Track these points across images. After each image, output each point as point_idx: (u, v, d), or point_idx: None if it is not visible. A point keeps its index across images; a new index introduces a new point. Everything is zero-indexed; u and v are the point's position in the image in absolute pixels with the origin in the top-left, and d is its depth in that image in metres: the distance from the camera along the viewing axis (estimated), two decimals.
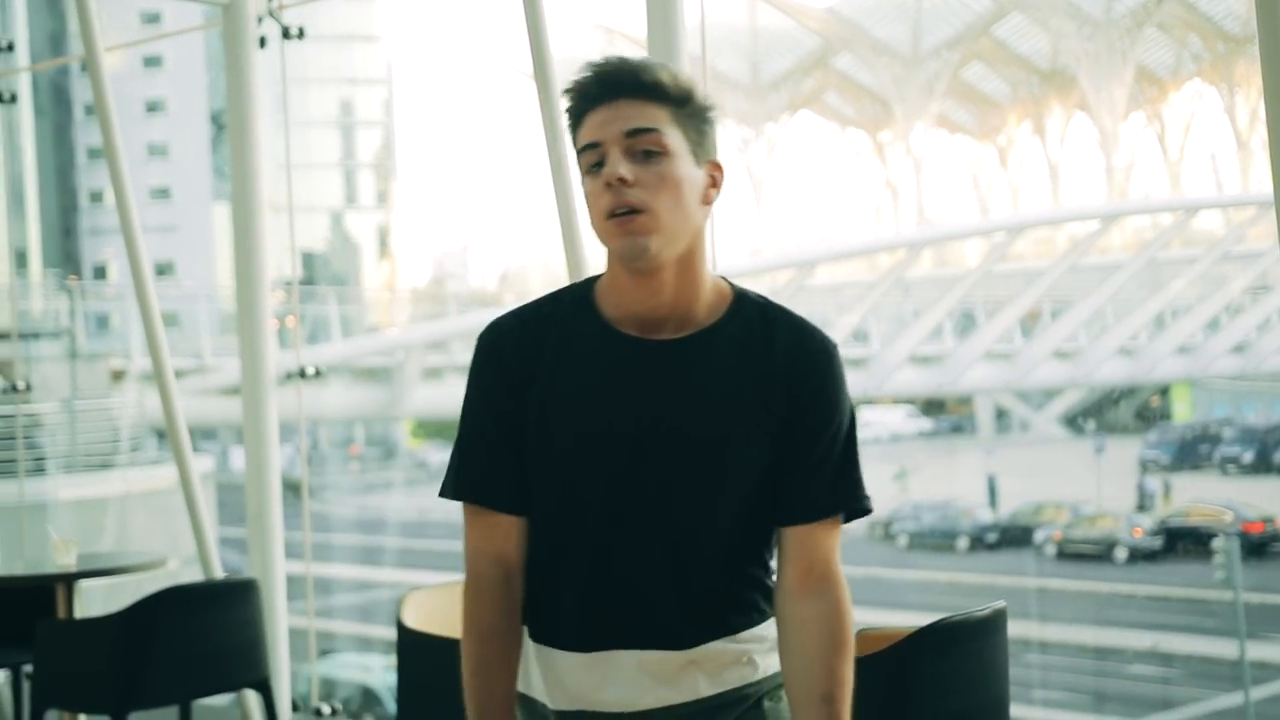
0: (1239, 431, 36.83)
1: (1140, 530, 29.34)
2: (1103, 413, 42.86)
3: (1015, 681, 2.89)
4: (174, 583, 4.40)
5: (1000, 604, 2.80)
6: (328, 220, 67.68)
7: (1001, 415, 44.09)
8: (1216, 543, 24.44)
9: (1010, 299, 35.34)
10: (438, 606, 3.46)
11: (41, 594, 4.50)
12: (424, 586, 3.52)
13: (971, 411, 43.93)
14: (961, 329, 36.03)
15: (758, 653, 2.12)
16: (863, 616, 2.17)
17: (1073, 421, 43.44)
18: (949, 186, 72.05)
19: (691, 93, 2.08)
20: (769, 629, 2.12)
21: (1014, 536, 30.89)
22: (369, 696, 22.72)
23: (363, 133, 69.98)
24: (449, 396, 30.38)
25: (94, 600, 5.28)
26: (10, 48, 7.74)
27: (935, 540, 30.82)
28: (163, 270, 54.99)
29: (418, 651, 3.32)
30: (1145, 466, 36.84)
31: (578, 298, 2.15)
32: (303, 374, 5.62)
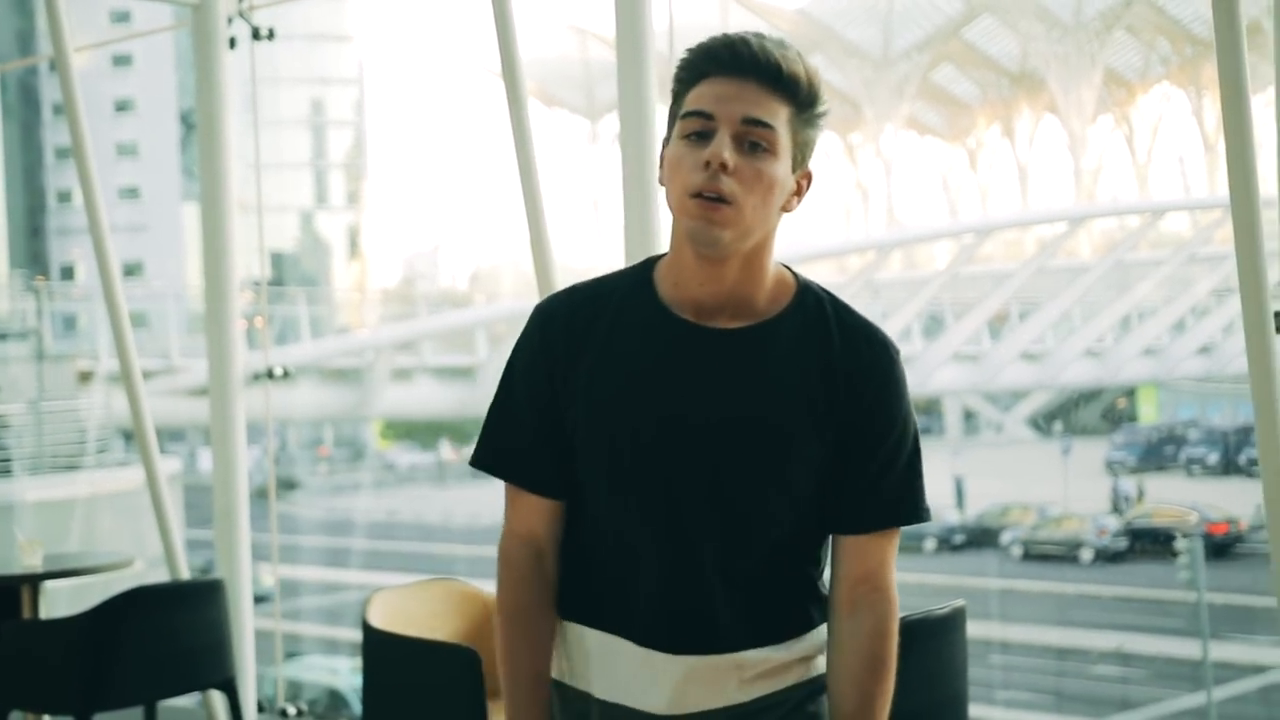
0: (1204, 433, 37.04)
1: (1105, 531, 29.50)
2: (1070, 414, 43.05)
3: (980, 682, 2.93)
4: (140, 583, 4.40)
5: (959, 603, 2.84)
6: (298, 220, 67.45)
7: (969, 417, 44.25)
8: (1180, 544, 24.61)
9: (978, 301, 35.47)
10: (404, 608, 3.47)
11: (7, 595, 4.50)
12: (390, 588, 3.53)
13: (939, 413, 44.06)
14: (930, 331, 36.15)
15: (805, 659, 2.07)
16: None
17: (1040, 423, 43.64)
18: (919, 188, 72.23)
19: (817, 98, 2.01)
20: (818, 635, 2.08)
21: (981, 537, 31.01)
22: (335, 698, 22.64)
23: (334, 132, 69.79)
24: (418, 397, 30.36)
25: (60, 601, 5.27)
26: None
27: (902, 541, 30.27)
28: (131, 270, 54.73)
29: (383, 653, 3.32)
30: (1112, 468, 37.03)
31: (638, 277, 2.08)
32: (271, 375, 5.62)
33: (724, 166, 1.93)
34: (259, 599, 5.64)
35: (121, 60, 59.44)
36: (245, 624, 5.36)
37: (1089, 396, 42.80)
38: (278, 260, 62.59)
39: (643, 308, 2.05)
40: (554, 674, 2.12)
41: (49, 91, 56.91)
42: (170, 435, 33.71)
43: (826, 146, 58.31)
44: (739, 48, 1.97)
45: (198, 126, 5.52)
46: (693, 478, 1.99)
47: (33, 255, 56.52)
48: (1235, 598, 23.61)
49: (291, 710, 5.48)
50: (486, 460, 2.12)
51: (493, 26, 4.43)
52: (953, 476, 34.23)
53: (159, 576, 5.81)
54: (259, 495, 6.05)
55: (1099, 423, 43.16)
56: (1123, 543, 29.31)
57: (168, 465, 6.91)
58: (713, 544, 2.00)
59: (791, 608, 2.06)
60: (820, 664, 2.08)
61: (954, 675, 2.84)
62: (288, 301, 32.37)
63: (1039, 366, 36.22)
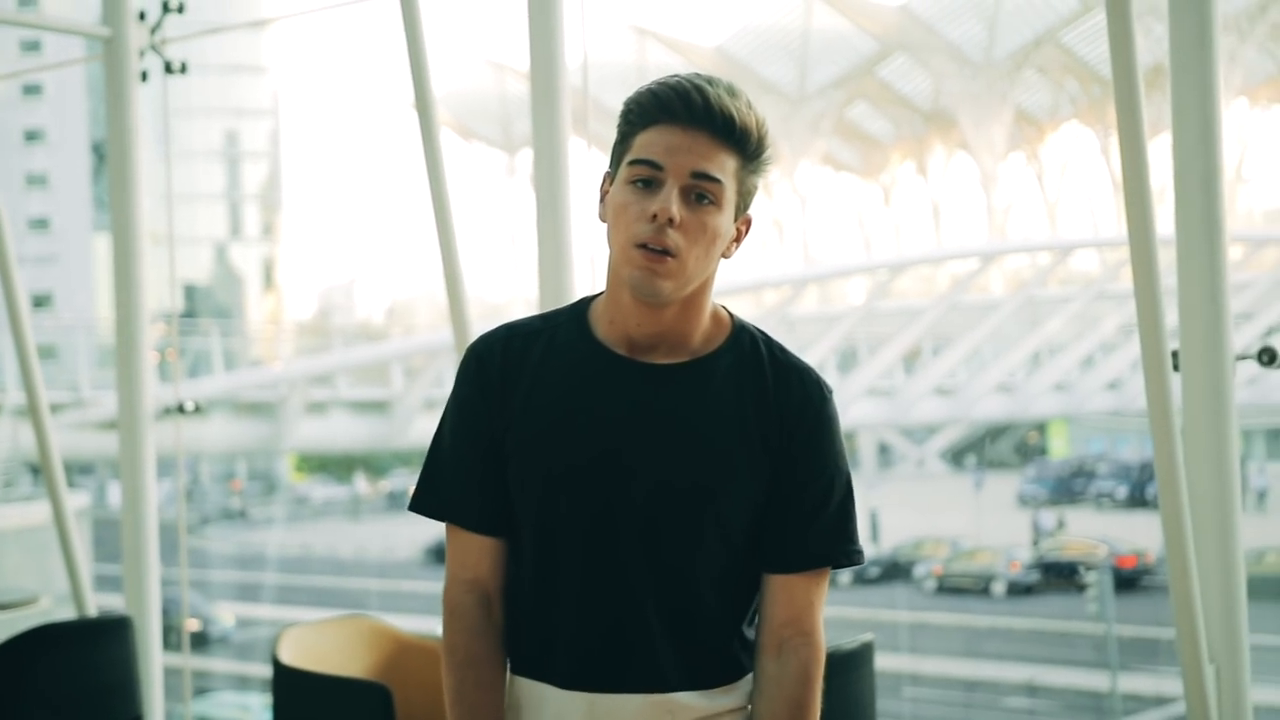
0: (1113, 467, 37.56)
1: (1017, 564, 29.79)
2: (982, 448, 43.50)
3: (890, 715, 2.95)
4: (46, 620, 4.33)
5: (868, 637, 2.86)
6: (211, 252, 66.84)
7: (884, 450, 44.58)
8: (1089, 576, 24.90)
9: (892, 336, 35.81)
10: (315, 644, 3.45)
11: None
12: (301, 623, 3.51)
13: (854, 447, 44.31)
14: (844, 365, 36.43)
15: (736, 710, 2.05)
16: None
17: (954, 457, 44.06)
18: (834, 224, 72.87)
19: (765, 148, 2.01)
20: (747, 684, 2.06)
21: (894, 570, 31.20)
22: None
23: (248, 164, 69.28)
24: (333, 431, 30.12)
25: None
26: None
27: None
28: (41, 302, 53.90)
29: (294, 689, 3.30)
30: (1024, 501, 37.44)
31: (572, 314, 2.09)
32: (182, 409, 5.57)
33: (670, 221, 1.93)
34: (217, 639, 5.58)
35: (31, 90, 58.71)
36: (154, 661, 5.29)
37: (1001, 431, 43.30)
38: (191, 292, 61.96)
39: (576, 343, 2.05)
40: None
41: None
42: (79, 469, 33.21)
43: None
44: (693, 98, 1.95)
45: (109, 159, 5.47)
46: (628, 513, 1.98)
47: None
48: (1143, 629, 23.91)
49: None
50: (426, 503, 2.09)
51: (406, 59, 4.44)
52: (867, 510, 34.41)
53: (65, 613, 5.72)
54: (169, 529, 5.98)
55: (1011, 456, 43.66)
56: (1034, 575, 29.61)
57: (76, 500, 6.83)
58: (649, 581, 1.99)
59: (724, 652, 2.04)
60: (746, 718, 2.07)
61: (862, 709, 2.86)
62: (201, 334, 32.08)
63: (952, 401, 36.60)
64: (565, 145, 4.24)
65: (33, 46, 51.51)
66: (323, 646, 3.40)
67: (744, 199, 2.02)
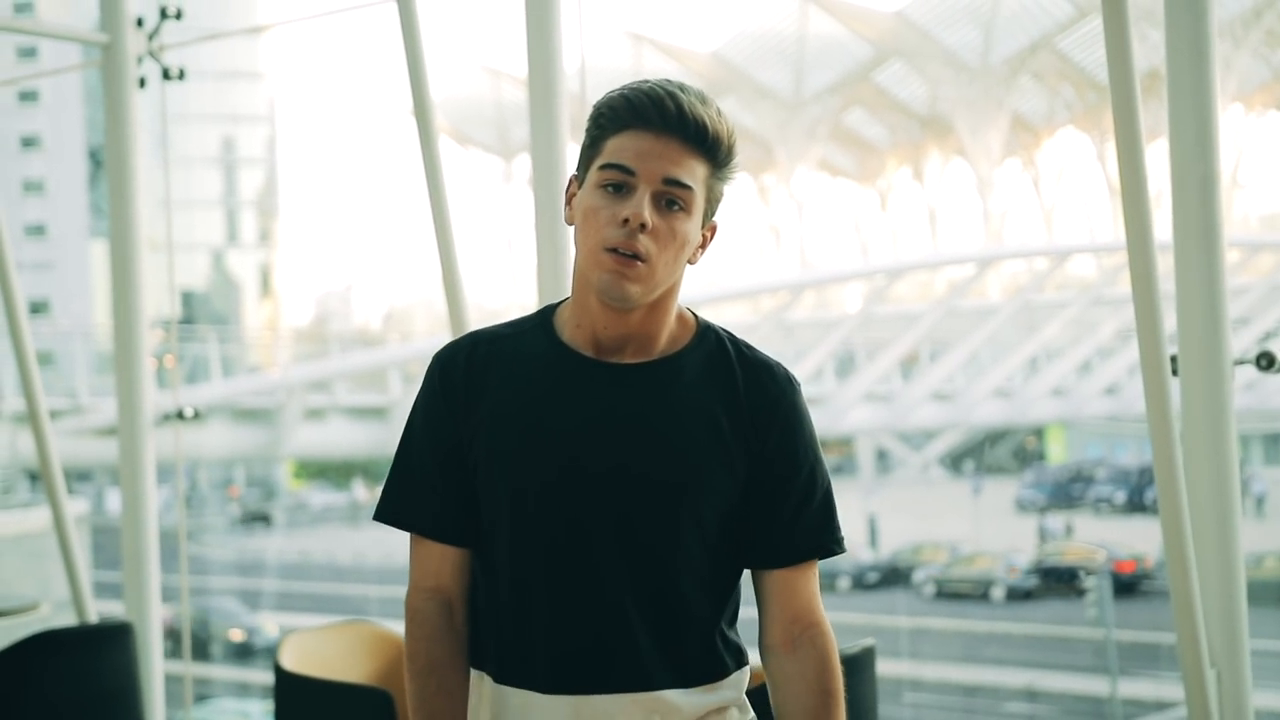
0: (1111, 472, 37.59)
1: (1016, 570, 29.79)
2: (980, 454, 43.53)
3: None
4: (47, 627, 4.33)
5: (869, 642, 2.86)
6: (209, 259, 66.87)
7: (882, 456, 44.61)
8: (1088, 581, 24.90)
9: (889, 341, 35.80)
10: (316, 649, 3.45)
11: None
12: (302, 629, 3.51)
13: (852, 452, 44.38)
14: (842, 371, 36.43)
15: (719, 709, 2.04)
16: (754, 656, 2.13)
17: (952, 462, 44.08)
18: (830, 230, 72.91)
19: (733, 156, 2.02)
20: (732, 682, 2.06)
21: (894, 576, 31.21)
22: None
23: (245, 171, 69.31)
24: (331, 437, 30.11)
25: None
26: None
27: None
28: (38, 308, 53.88)
29: (296, 695, 3.30)
30: (1023, 506, 37.46)
31: (537, 321, 2.09)
32: (180, 415, 5.57)
33: (642, 226, 1.94)
34: (262, 649, 5.58)
35: (28, 96, 58.73)
36: (154, 667, 5.29)
37: (999, 436, 43.34)
38: (188, 299, 61.98)
39: (543, 348, 2.05)
40: None
41: None
42: (78, 475, 33.20)
43: (740, 188, 58.81)
44: (666, 104, 1.96)
45: (107, 165, 5.47)
46: (602, 515, 1.98)
47: None
48: (1142, 634, 23.91)
49: None
50: (388, 512, 2.09)
51: (404, 64, 4.45)
52: (866, 515, 34.45)
53: (66, 620, 5.72)
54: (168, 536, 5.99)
55: (1009, 462, 43.69)
56: (1033, 581, 29.61)
57: (75, 506, 6.83)
58: (627, 582, 1.98)
59: (707, 650, 2.04)
60: (731, 717, 2.06)
61: (864, 714, 2.87)
62: (198, 340, 32.05)
63: (950, 406, 36.60)
64: (563, 150, 4.25)
65: (29, 53, 51.52)
66: (324, 652, 3.41)
67: (711, 206, 2.02)
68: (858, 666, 2.84)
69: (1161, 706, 21.33)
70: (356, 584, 32.92)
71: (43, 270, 56.05)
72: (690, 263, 2.03)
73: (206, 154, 65.93)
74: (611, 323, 2.01)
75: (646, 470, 1.98)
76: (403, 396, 29.36)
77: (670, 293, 2.03)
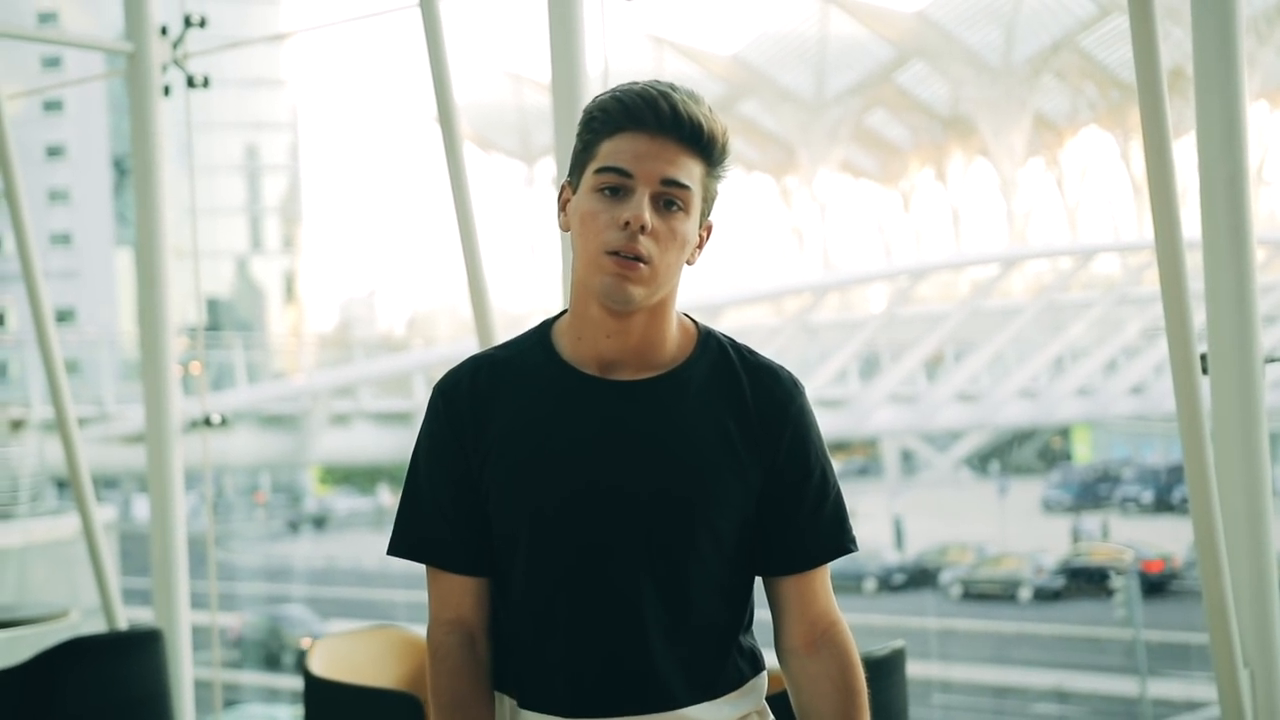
0: (1138, 472, 37.41)
1: (1043, 570, 29.68)
2: (1006, 454, 43.37)
3: None
4: (76, 634, 4.35)
5: (899, 643, 2.85)
6: (233, 266, 67.07)
7: (907, 457, 44.48)
8: (1116, 581, 24.79)
9: (914, 342, 35.70)
10: (346, 655, 3.46)
11: None
12: (331, 634, 3.51)
13: (877, 454, 44.27)
14: (866, 372, 36.34)
15: (748, 710, 2.05)
16: (770, 659, 2.14)
17: (978, 463, 43.93)
18: (853, 231, 72.82)
19: (726, 154, 2.02)
20: (752, 689, 2.06)
21: (920, 577, 31.12)
22: None
23: (268, 178, 69.52)
24: (356, 443, 30.17)
25: None
26: None
27: (843, 582, 30.90)
28: (64, 316, 54.16)
29: (325, 700, 3.31)
30: (1049, 507, 37.30)
31: (535, 339, 2.07)
32: (208, 422, 5.59)
33: (643, 228, 1.93)
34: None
35: (53, 105, 59.00)
36: (184, 673, 5.31)
37: (1024, 436, 43.18)
38: (213, 306, 62.15)
39: (545, 368, 2.03)
40: None
41: None
42: (105, 483, 33.33)
43: (763, 190, 58.80)
44: (660, 105, 1.95)
45: (133, 173, 5.49)
46: (620, 533, 1.97)
47: None
48: (1171, 634, 23.80)
49: None
50: (403, 547, 2.08)
51: (428, 72, 4.45)
52: (892, 517, 34.36)
53: (95, 627, 5.74)
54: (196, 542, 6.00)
55: (1035, 462, 43.53)
56: (1060, 581, 29.50)
57: (102, 513, 6.85)
58: (646, 600, 1.97)
59: (727, 662, 2.03)
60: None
61: (895, 716, 2.86)
62: (223, 347, 32.16)
63: (975, 407, 36.48)
64: None
65: (54, 63, 51.78)
66: (353, 657, 3.41)
67: (707, 204, 2.03)
68: (888, 668, 2.83)
69: (1192, 707, 21.23)
70: (383, 589, 32.98)
71: (69, 279, 56.33)
72: (688, 263, 2.02)
73: (230, 161, 66.15)
74: (614, 330, 2.00)
75: (662, 487, 1.97)
76: (427, 401, 29.38)
77: (669, 297, 2.02)
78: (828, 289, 38.13)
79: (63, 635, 4.28)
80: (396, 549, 2.09)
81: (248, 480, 46.65)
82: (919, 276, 37.34)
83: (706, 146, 1.98)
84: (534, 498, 1.99)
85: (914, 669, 2.91)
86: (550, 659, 2.00)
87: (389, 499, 44.97)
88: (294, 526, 44.33)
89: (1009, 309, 37.60)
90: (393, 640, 3.57)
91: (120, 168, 58.57)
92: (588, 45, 4.32)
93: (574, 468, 1.98)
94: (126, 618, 5.56)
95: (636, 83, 2.00)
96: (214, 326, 53.27)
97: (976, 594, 29.88)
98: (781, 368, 2.07)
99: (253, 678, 27.62)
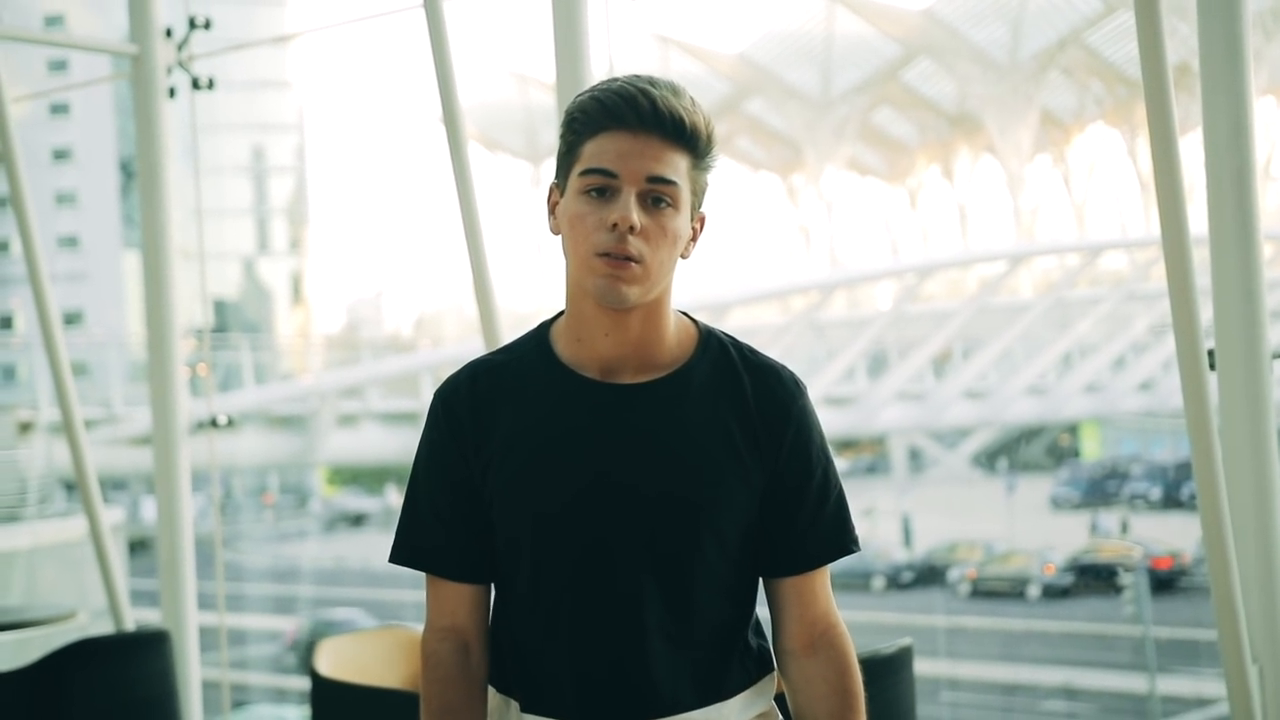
0: (1147, 468, 37.34)
1: (1052, 567, 29.64)
2: (1014, 451, 43.32)
3: None
4: (84, 635, 4.35)
5: (906, 641, 2.85)
6: (240, 267, 67.13)
7: (915, 455, 44.43)
8: (1125, 578, 24.76)
9: (921, 340, 35.69)
10: (353, 655, 3.46)
11: None
12: (338, 635, 3.51)
13: (885, 452, 44.21)
14: (874, 370, 36.34)
15: (757, 711, 2.05)
16: None
17: (986, 460, 43.87)
18: (860, 229, 72.79)
19: (713, 146, 2.00)
20: (757, 691, 2.05)
21: (929, 575, 31.08)
22: None
23: (275, 179, 69.58)
24: (364, 443, 30.21)
25: (1, 655, 5.21)
26: None
27: (851, 580, 30.95)
28: (71, 319, 54.24)
29: (332, 701, 3.31)
30: (1057, 504, 37.25)
31: (534, 343, 2.06)
32: (215, 423, 5.59)
33: (631, 228, 1.92)
34: None
35: (59, 109, 59.08)
36: (192, 674, 5.31)
37: (1033, 433, 43.10)
38: (220, 307, 62.20)
39: (545, 373, 2.02)
40: None
41: None
42: (113, 484, 33.38)
43: (769, 188, 58.76)
44: (640, 102, 1.93)
45: (139, 175, 5.50)
46: (625, 536, 1.96)
47: None
48: (1180, 631, 23.77)
49: None
50: (404, 554, 2.07)
51: (433, 72, 4.45)
52: (900, 515, 34.33)
53: (103, 628, 5.75)
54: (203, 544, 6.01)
55: (1043, 459, 43.45)
56: (1069, 578, 29.47)
57: (110, 515, 6.86)
58: (651, 604, 1.96)
59: (732, 663, 2.03)
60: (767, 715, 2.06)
61: (903, 714, 2.85)
62: (231, 348, 32.20)
63: (983, 404, 36.46)
64: None
65: (59, 66, 51.85)
66: (361, 658, 3.41)
67: (697, 197, 2.01)
68: (895, 666, 2.83)
69: (1202, 703, 21.20)
70: (391, 589, 33.03)
71: (76, 281, 56.42)
72: (683, 256, 2.01)
73: (236, 163, 66.21)
74: (613, 328, 1.98)
75: (666, 489, 1.96)
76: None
77: (665, 294, 2.01)
78: (835, 287, 38.13)
79: (71, 637, 4.28)
80: (396, 556, 2.08)
81: (256, 481, 46.71)
82: (926, 274, 37.33)
83: (690, 140, 1.96)
84: (537, 501, 1.98)
85: (922, 667, 2.90)
86: (554, 663, 1.99)
87: (397, 499, 44.93)
88: (328, 526, 44.32)
89: (1017, 306, 37.58)
90: (399, 640, 3.57)
91: (127, 170, 58.58)
92: (593, 45, 4.32)
93: (577, 470, 1.97)
94: (134, 619, 5.56)
95: (616, 79, 1.98)
96: (221, 328, 53.34)
97: (985, 591, 29.85)
98: (783, 367, 2.06)
99: (261, 678, 27.63)
